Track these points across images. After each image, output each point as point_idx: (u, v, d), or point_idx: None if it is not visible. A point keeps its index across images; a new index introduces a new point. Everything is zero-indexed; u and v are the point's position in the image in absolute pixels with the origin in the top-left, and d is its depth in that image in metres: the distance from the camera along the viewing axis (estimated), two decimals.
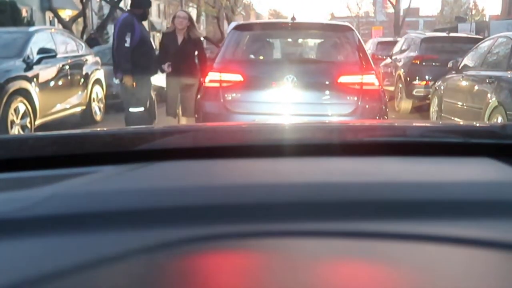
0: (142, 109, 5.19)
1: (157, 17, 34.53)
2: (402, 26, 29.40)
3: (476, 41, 7.36)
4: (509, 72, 5.11)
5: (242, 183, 0.66)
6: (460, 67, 6.43)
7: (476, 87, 5.69)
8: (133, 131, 1.02)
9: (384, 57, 10.48)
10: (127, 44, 4.94)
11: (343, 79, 4.32)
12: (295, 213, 0.57)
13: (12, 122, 5.74)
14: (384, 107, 4.37)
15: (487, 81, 5.35)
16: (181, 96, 5.40)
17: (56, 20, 17.76)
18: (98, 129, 1.20)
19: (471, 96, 5.76)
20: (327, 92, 4.34)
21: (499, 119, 4.86)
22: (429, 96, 7.52)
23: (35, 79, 6.20)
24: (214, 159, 0.78)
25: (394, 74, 9.20)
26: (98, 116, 8.08)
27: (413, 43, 9.09)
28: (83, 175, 0.69)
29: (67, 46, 7.49)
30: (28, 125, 6.00)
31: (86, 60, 7.90)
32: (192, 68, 5.33)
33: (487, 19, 35.40)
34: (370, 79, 4.32)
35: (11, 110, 5.70)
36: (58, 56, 6.84)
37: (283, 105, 4.27)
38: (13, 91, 5.74)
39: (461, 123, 3.00)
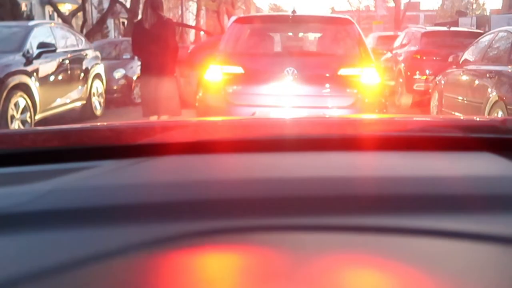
0: None
1: None
2: (403, 20, 29.31)
3: (476, 35, 7.35)
4: (509, 66, 5.10)
5: (242, 178, 0.66)
6: (460, 62, 6.42)
7: (476, 82, 5.68)
8: (133, 126, 1.02)
9: (385, 52, 10.45)
10: None
11: (343, 72, 4.32)
12: (295, 207, 0.57)
13: (12, 116, 5.74)
14: (384, 101, 4.38)
15: (488, 75, 5.34)
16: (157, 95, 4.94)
17: (55, 14, 17.69)
18: (98, 123, 1.20)
19: (472, 90, 5.75)
20: (327, 85, 4.35)
21: (500, 114, 4.86)
22: (430, 90, 7.50)
23: (35, 74, 6.18)
24: (215, 153, 0.77)
25: (394, 68, 9.17)
26: (98, 111, 8.07)
27: (413, 38, 9.06)
28: (83, 170, 0.69)
29: (67, 40, 7.47)
30: (28, 120, 6.00)
31: (86, 54, 7.88)
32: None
33: (487, 13, 35.29)
34: (370, 72, 4.32)
35: (11, 105, 5.70)
36: (58, 50, 6.82)
37: (283, 97, 4.28)
38: (13, 85, 5.73)
39: (462, 117, 3.00)
